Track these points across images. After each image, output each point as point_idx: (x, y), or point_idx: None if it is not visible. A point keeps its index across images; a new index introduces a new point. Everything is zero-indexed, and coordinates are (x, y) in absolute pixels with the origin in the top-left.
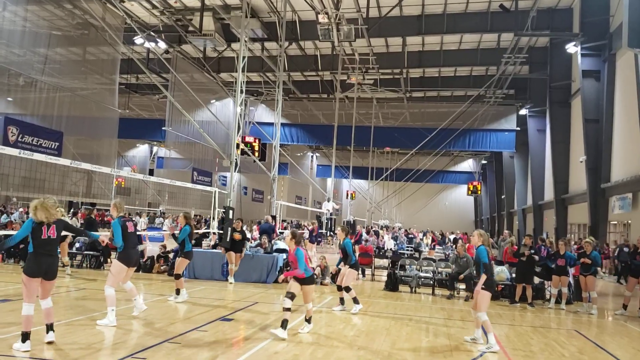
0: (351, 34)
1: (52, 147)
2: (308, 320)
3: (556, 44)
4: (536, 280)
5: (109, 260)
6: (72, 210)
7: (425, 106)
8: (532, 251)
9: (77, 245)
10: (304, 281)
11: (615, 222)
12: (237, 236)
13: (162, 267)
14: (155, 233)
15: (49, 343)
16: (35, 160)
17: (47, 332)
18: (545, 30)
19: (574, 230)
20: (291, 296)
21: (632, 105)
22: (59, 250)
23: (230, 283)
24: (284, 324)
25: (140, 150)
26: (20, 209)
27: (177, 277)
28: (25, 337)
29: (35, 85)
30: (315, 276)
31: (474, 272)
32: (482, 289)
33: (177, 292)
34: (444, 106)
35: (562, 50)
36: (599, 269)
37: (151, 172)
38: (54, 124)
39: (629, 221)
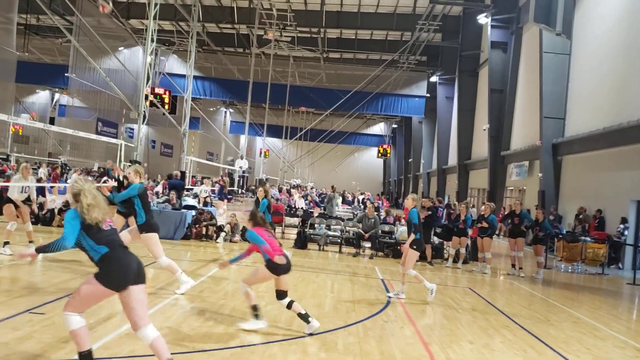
0: None
1: None
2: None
3: (469, 14)
4: (436, 240)
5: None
6: None
7: (341, 68)
8: (430, 212)
9: None
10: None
11: (512, 188)
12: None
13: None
14: (62, 185)
15: None
16: None
17: None
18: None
19: (474, 194)
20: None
21: (534, 79)
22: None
23: None
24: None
25: (41, 97)
26: None
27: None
28: None
29: None
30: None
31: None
32: (412, 248)
33: None
34: (359, 69)
35: (473, 20)
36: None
37: (52, 121)
38: None
39: (524, 187)
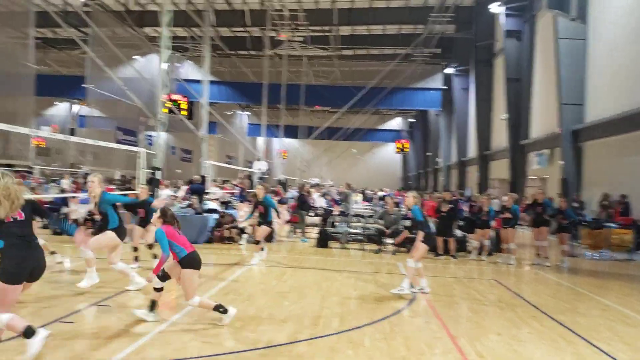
0: None
1: None
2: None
3: (481, 3)
4: (459, 233)
5: None
6: None
7: (355, 64)
8: (451, 206)
9: None
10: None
11: (534, 177)
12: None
13: (88, 230)
14: (85, 195)
15: None
16: None
17: None
18: None
19: (495, 185)
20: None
21: (550, 65)
22: None
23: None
24: (152, 305)
25: (60, 109)
26: None
27: (257, 242)
28: None
29: None
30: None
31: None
32: (421, 241)
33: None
34: (373, 65)
35: (486, 10)
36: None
37: (72, 132)
38: None
39: (546, 176)
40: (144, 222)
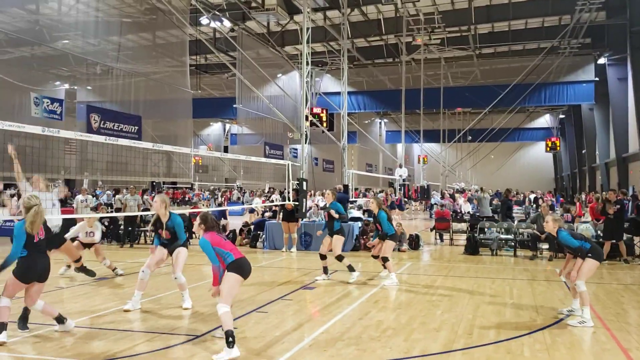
0: None
1: (132, 131)
2: None
3: None
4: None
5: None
6: (156, 190)
7: (496, 62)
8: (618, 206)
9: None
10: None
11: None
12: (290, 206)
13: (244, 240)
14: (236, 208)
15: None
16: (118, 145)
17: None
18: None
19: None
20: None
21: None
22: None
23: (291, 252)
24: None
25: (214, 129)
26: (108, 192)
27: (385, 260)
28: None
29: (112, 73)
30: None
31: None
32: (589, 257)
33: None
34: (516, 61)
35: None
36: None
37: (225, 149)
38: (132, 108)
39: None
40: (330, 231)
